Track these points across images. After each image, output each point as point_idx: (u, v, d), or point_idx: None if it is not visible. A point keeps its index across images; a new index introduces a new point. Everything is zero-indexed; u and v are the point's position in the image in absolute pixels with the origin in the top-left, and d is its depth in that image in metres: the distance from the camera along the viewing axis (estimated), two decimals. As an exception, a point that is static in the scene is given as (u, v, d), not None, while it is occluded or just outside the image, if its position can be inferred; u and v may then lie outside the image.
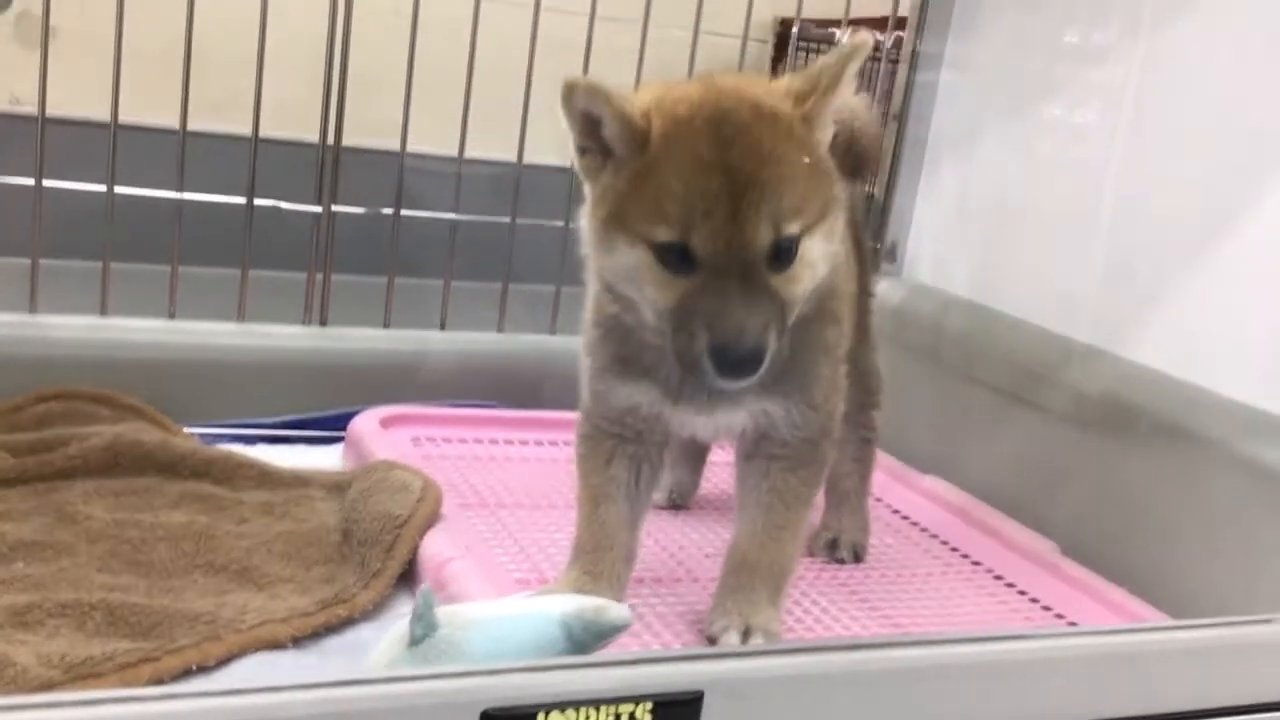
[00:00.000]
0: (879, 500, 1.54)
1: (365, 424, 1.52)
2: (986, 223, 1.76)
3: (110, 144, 1.53)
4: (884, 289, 1.72)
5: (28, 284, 1.52)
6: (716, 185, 0.96)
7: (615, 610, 0.92)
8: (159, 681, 0.98)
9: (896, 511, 1.55)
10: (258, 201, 1.60)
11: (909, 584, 1.35)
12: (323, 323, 1.67)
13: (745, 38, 1.91)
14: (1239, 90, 1.39)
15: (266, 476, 1.37)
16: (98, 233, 1.54)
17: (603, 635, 0.91)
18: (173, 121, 1.56)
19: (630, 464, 1.14)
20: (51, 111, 1.50)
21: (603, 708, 0.78)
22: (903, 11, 1.87)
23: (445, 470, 1.44)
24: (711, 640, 1.11)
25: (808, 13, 1.96)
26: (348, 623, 1.13)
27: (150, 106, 1.61)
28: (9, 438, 1.37)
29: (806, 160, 1.00)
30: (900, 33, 1.87)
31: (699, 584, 1.26)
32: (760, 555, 1.13)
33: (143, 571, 1.15)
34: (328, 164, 1.64)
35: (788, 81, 1.04)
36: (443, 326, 1.73)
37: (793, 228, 0.98)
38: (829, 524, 1.39)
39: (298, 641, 1.09)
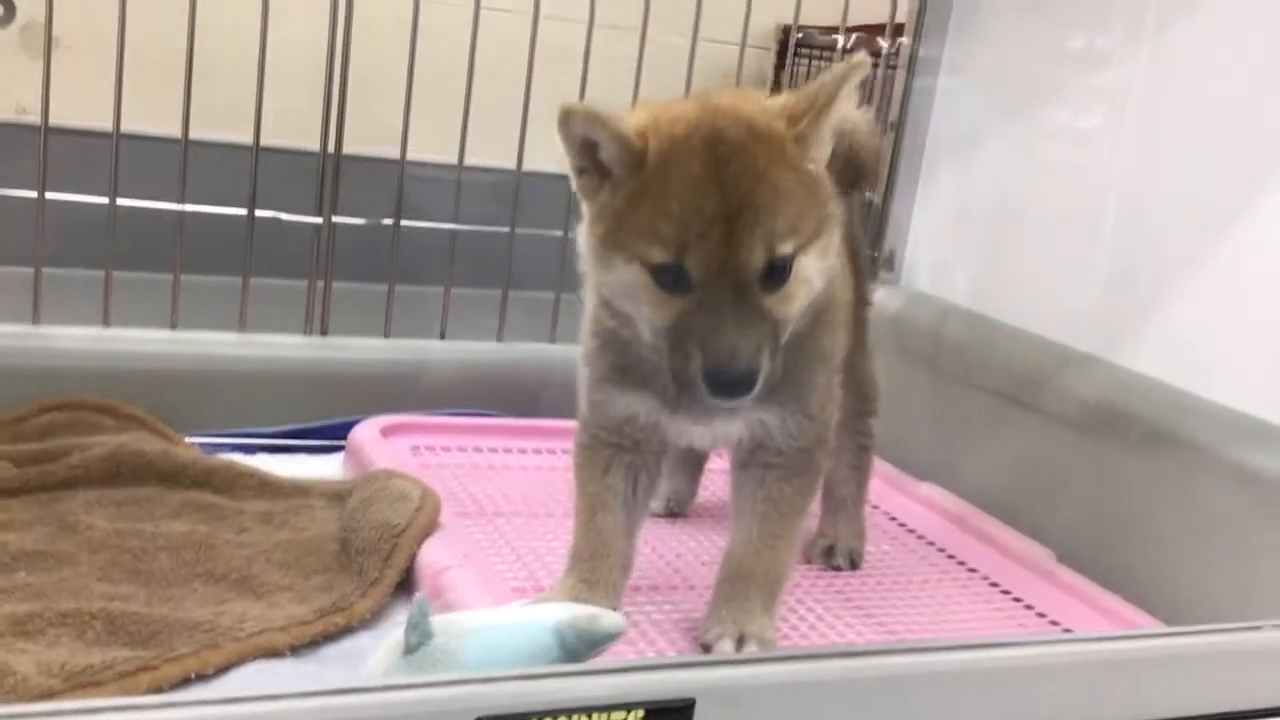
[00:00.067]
0: (876, 507, 1.55)
1: (365, 433, 1.52)
2: (984, 229, 1.75)
3: (113, 153, 1.54)
4: (882, 297, 1.72)
5: (31, 294, 1.53)
6: (710, 206, 0.97)
7: (608, 619, 0.93)
8: (158, 690, 0.99)
9: (893, 519, 1.56)
10: (259, 213, 1.61)
11: (905, 591, 1.35)
12: (323, 332, 1.68)
13: (744, 45, 1.91)
14: (1242, 96, 1.39)
15: (267, 486, 1.38)
16: (100, 243, 1.55)
17: (596, 643, 0.92)
18: (174, 130, 1.57)
19: (628, 473, 1.15)
20: (55, 121, 1.51)
21: (595, 715, 0.79)
22: (900, 17, 1.86)
23: (444, 479, 1.45)
24: (706, 648, 1.11)
25: (809, 20, 1.96)
26: (346, 631, 1.13)
27: (152, 115, 1.62)
28: (12, 448, 1.38)
29: (800, 179, 1.01)
30: (901, 39, 1.86)
31: (695, 592, 1.26)
32: (755, 563, 1.13)
33: (143, 581, 1.16)
34: (328, 172, 1.65)
35: (785, 99, 1.05)
36: (443, 335, 1.73)
37: (786, 247, 0.99)
38: (826, 531, 1.40)
39: (296, 650, 1.09)
